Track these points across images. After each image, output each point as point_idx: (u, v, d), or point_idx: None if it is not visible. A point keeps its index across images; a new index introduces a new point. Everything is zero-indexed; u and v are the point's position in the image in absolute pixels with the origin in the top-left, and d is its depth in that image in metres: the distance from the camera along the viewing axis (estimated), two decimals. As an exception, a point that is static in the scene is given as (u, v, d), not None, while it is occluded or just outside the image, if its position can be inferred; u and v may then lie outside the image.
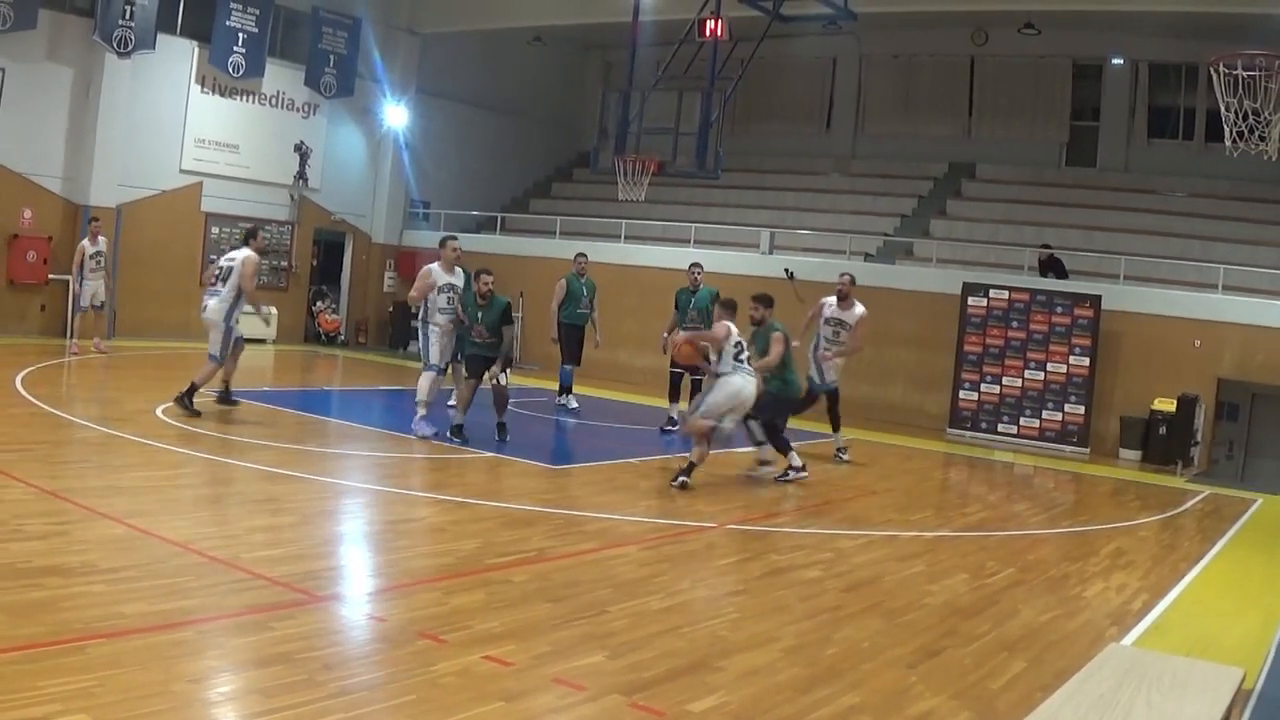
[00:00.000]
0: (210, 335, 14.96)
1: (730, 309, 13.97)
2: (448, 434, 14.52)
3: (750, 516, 11.97)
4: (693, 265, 18.15)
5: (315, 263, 28.42)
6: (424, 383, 14.66)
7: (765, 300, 14.56)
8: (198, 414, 14.17)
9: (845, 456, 16.63)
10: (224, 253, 17.26)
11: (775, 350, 13.93)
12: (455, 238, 15.61)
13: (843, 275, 17.08)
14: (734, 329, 13.51)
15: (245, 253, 15.10)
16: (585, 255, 19.07)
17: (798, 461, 14.23)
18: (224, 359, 14.97)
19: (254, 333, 25.69)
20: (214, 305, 14.90)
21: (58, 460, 11.51)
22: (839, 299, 16.80)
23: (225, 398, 15.30)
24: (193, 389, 14.56)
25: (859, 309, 16.63)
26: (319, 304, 28.13)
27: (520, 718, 5.82)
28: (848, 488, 14.62)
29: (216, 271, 15.23)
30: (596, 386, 22.51)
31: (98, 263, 20.65)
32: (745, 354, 13.41)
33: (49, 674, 5.58)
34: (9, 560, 7.47)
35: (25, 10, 21.58)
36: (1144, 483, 17.59)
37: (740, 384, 13.19)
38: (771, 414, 14.18)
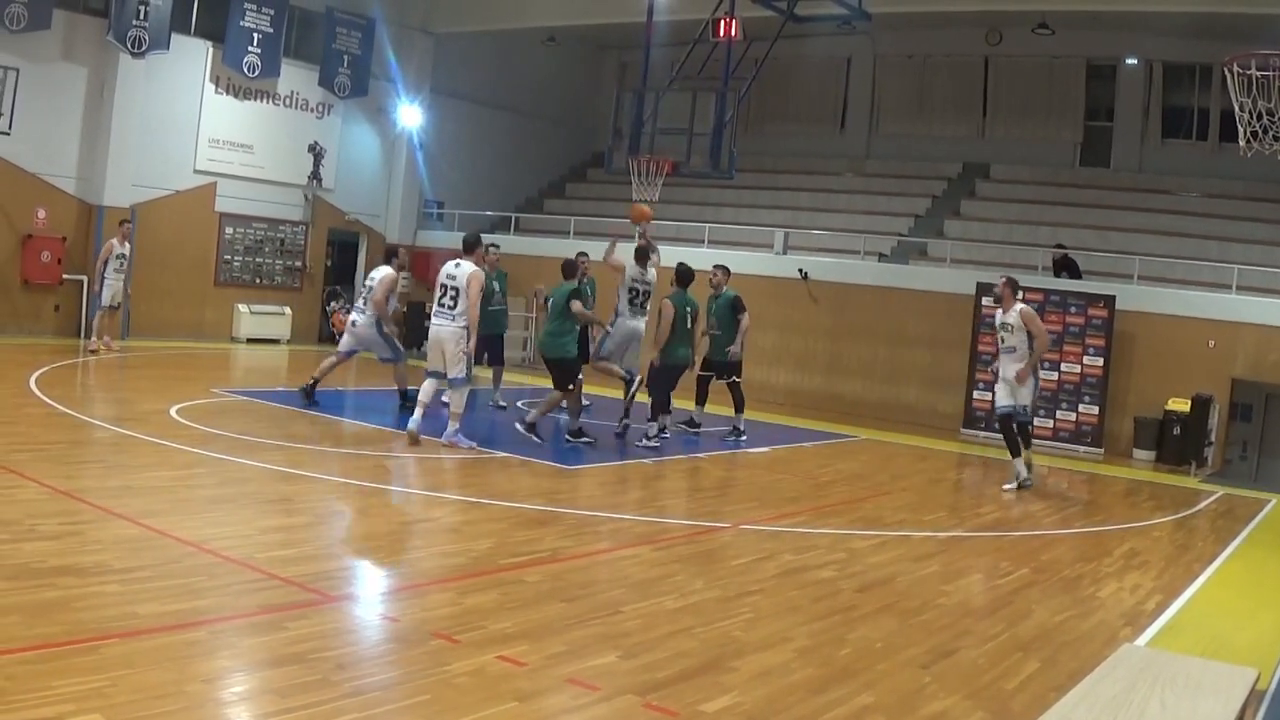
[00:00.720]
0: (373, 350, 17.14)
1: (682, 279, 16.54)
2: (566, 435, 15.50)
3: (763, 517, 11.96)
4: (716, 268, 18.13)
5: (329, 263, 28.41)
6: (460, 397, 14.22)
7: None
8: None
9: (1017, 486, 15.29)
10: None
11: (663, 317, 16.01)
12: (497, 245, 17.81)
13: (1000, 278, 15.98)
14: (637, 272, 16.62)
15: (385, 271, 16.74)
16: (586, 254, 18.55)
17: (653, 432, 15.87)
18: (400, 357, 17.12)
19: (269, 333, 25.88)
20: (363, 321, 16.65)
21: (72, 460, 11.53)
22: (996, 301, 16.08)
23: (309, 392, 16.50)
24: (404, 394, 16.75)
25: (1017, 306, 15.23)
26: (333, 304, 28.14)
27: (534, 718, 5.82)
28: (861, 488, 14.61)
29: (363, 292, 17.09)
30: (610, 387, 22.51)
31: (121, 263, 20.71)
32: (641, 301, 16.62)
33: (62, 674, 5.59)
34: (23, 560, 7.49)
35: (39, 10, 21.63)
36: (1158, 483, 17.56)
37: (635, 327, 16.65)
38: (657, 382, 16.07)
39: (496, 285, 17.81)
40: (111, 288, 20.67)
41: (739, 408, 17.79)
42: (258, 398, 16.61)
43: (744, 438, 17.51)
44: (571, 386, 15.10)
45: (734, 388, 17.79)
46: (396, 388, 17.12)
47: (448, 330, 13.98)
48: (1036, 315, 15.23)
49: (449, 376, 14.03)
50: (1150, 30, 25.14)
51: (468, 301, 13.84)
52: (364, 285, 17.24)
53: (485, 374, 18.16)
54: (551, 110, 32.96)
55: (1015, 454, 15.06)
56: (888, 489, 14.67)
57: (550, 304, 15.58)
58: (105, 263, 20.54)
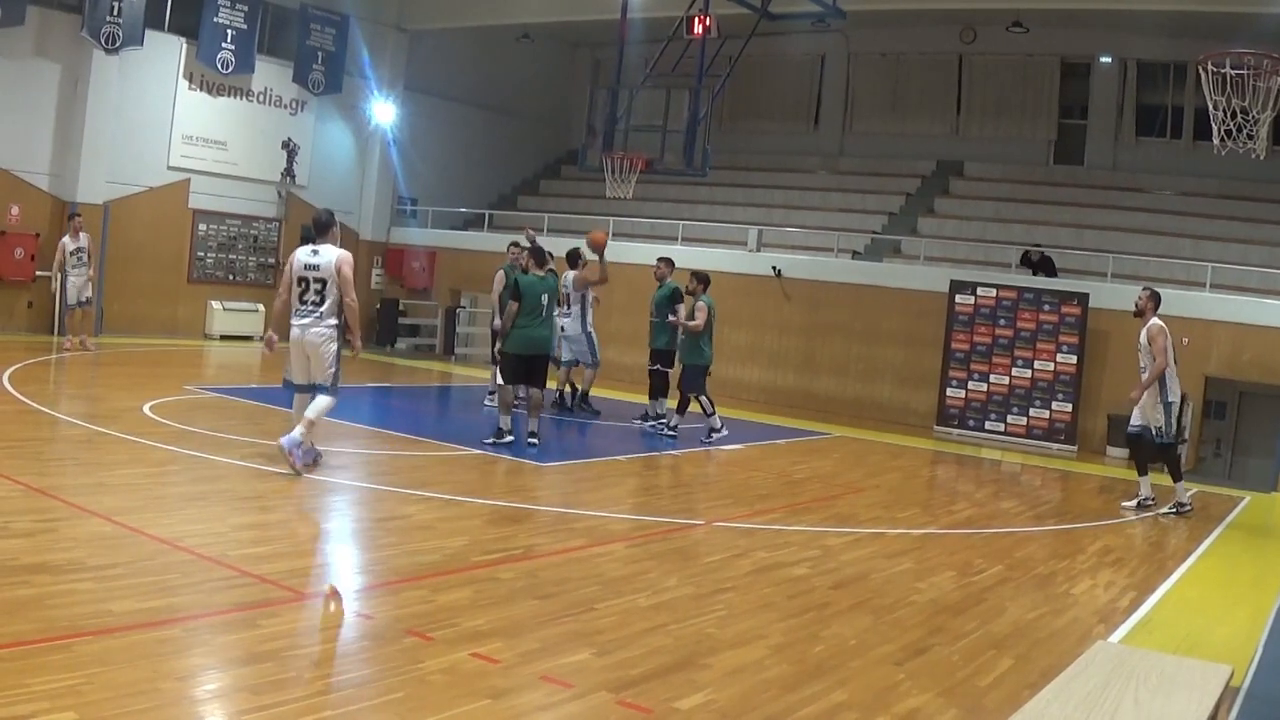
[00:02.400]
0: (575, 349, 18.43)
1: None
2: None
3: (737, 514, 11.97)
4: (659, 260, 18.19)
5: None
6: (325, 407, 11.76)
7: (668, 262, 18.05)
8: (598, 413, 18.35)
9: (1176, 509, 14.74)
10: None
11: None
12: (518, 244, 17.52)
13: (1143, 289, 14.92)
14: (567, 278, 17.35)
15: (572, 274, 18.08)
16: (517, 245, 18.43)
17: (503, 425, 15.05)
18: (598, 364, 18.14)
19: (242, 330, 25.79)
20: (569, 324, 18.07)
21: (45, 457, 11.49)
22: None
23: (584, 400, 18.34)
24: (585, 396, 18.27)
25: (1150, 322, 14.29)
26: None
27: (507, 715, 5.82)
28: (835, 485, 14.63)
29: (565, 296, 17.78)
30: (610, 388, 22.53)
31: (79, 259, 20.53)
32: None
33: (36, 671, 5.57)
34: (-5, 558, 7.46)
35: (13, 6, 21.54)
36: (1131, 480, 17.54)
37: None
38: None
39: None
40: (74, 284, 20.53)
41: (653, 396, 18.09)
42: (231, 395, 16.56)
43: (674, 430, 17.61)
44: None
45: (657, 376, 17.92)
46: (582, 391, 18.70)
47: (314, 332, 11.57)
48: (1161, 335, 14.09)
49: (317, 384, 11.68)
50: (1125, 29, 25.23)
51: (339, 293, 11.54)
52: (563, 290, 17.56)
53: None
54: (525, 107, 32.91)
55: (1141, 473, 14.77)
56: (861, 486, 14.69)
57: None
58: (61, 263, 20.40)
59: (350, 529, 10.11)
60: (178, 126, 25.11)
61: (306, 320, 11.56)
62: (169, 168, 25.08)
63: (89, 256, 20.76)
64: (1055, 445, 20.34)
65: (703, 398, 16.92)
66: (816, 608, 8.44)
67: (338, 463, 12.67)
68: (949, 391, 21.58)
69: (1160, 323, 14.19)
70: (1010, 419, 21.02)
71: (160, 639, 6.30)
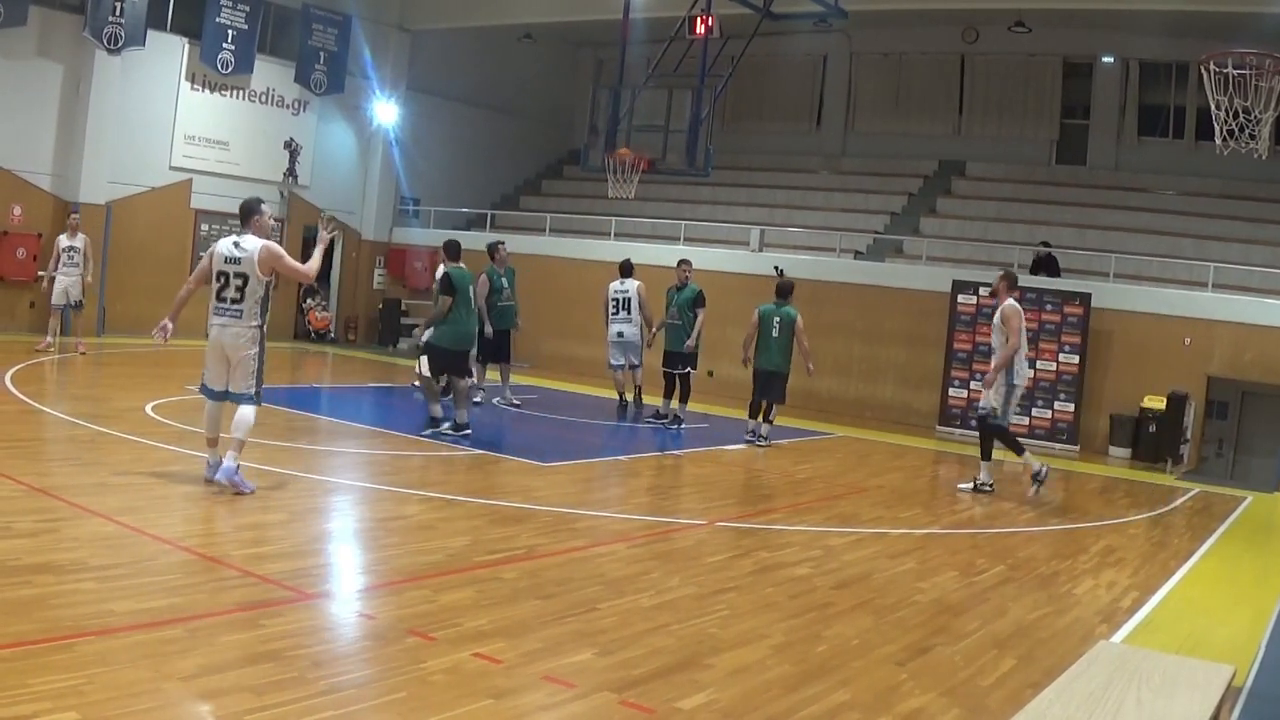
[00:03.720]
0: (632, 353, 19.08)
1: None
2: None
3: (739, 514, 11.97)
4: (681, 262, 18.35)
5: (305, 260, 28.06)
6: (248, 420, 10.47)
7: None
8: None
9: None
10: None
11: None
12: (503, 241, 18.07)
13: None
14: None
15: (637, 283, 18.88)
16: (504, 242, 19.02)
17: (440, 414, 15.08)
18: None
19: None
20: (629, 330, 18.75)
21: (47, 457, 11.49)
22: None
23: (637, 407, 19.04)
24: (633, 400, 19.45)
25: (1006, 302, 14.62)
26: (309, 301, 28.05)
27: (510, 715, 5.81)
28: (837, 485, 14.62)
29: (614, 302, 18.80)
30: (586, 384, 22.54)
31: (70, 258, 19.91)
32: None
33: (38, 671, 5.56)
34: (-2, 558, 7.46)
35: (15, 7, 21.56)
36: (1134, 480, 17.62)
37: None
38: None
39: (505, 281, 18.20)
40: (61, 284, 19.86)
41: (684, 398, 18.27)
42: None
43: (683, 428, 17.96)
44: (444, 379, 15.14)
45: (684, 379, 18.18)
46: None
47: (232, 332, 10.51)
48: (1015, 316, 14.40)
49: (234, 393, 10.54)
50: (1127, 28, 25.23)
51: (264, 291, 10.61)
52: (611, 299, 18.99)
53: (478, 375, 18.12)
54: (528, 107, 32.92)
55: (984, 458, 14.91)
56: (863, 486, 14.68)
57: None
58: (56, 261, 20.02)
59: (352, 529, 10.10)
60: (180, 127, 25.13)
61: (224, 320, 10.51)
62: (171, 168, 25.10)
63: (85, 258, 20.15)
64: (1058, 445, 20.33)
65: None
66: (819, 608, 8.43)
67: (339, 462, 12.67)
68: (951, 391, 21.57)
69: (1015, 304, 14.53)
70: (1012, 419, 20.96)
71: (162, 639, 6.29)
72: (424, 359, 15.13)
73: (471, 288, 14.97)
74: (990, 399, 14.56)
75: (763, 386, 17.35)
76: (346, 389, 20.49)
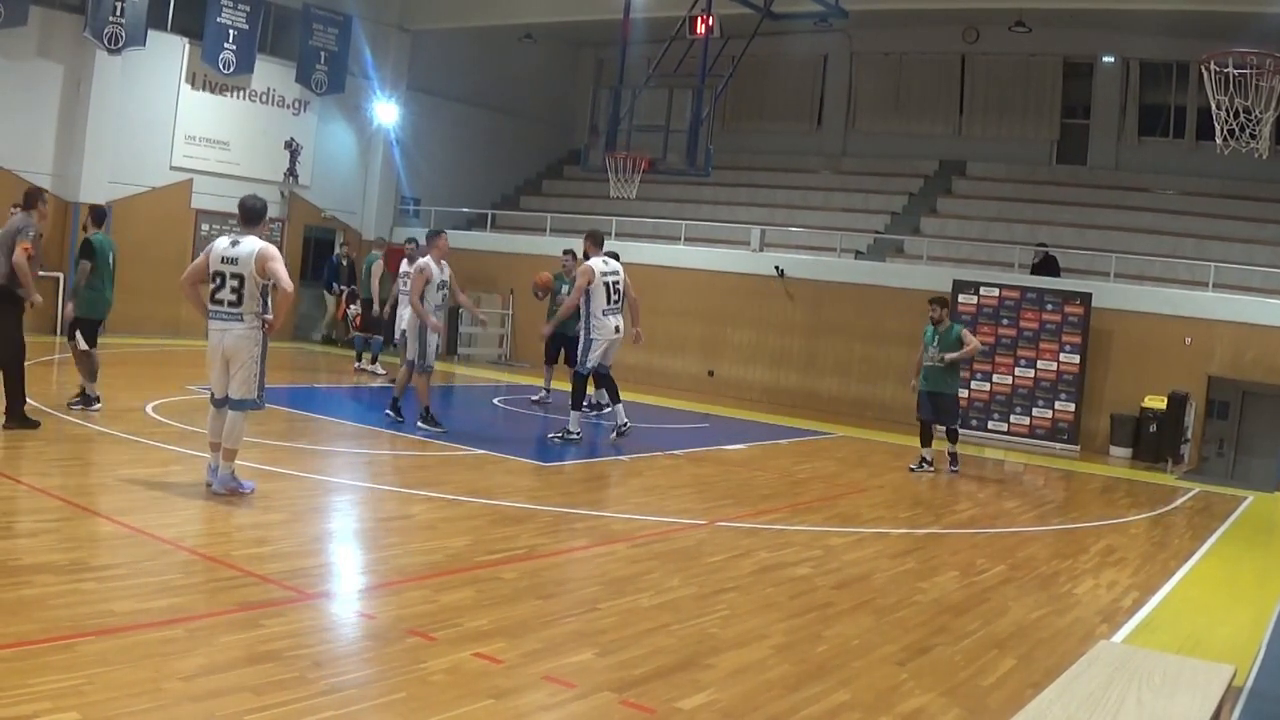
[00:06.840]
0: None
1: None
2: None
3: (739, 514, 11.96)
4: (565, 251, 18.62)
5: (345, 263, 26.84)
6: (241, 426, 10.29)
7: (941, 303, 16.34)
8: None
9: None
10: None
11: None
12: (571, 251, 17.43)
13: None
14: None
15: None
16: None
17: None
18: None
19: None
20: (622, 325, 16.74)
21: (48, 457, 11.47)
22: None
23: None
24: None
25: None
26: (353, 307, 27.27)
27: (510, 715, 5.81)
28: (837, 485, 14.63)
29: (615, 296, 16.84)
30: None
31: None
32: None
33: (38, 672, 5.56)
34: (-2, 558, 7.46)
35: (15, 7, 21.55)
36: (1134, 480, 17.62)
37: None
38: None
39: (564, 287, 18.15)
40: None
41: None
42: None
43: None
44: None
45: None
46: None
47: (232, 336, 10.22)
48: (583, 275, 15.30)
49: (234, 399, 10.23)
50: (1127, 28, 25.24)
51: (260, 291, 10.26)
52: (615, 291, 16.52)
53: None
54: (528, 107, 32.92)
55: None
56: (864, 486, 14.69)
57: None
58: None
59: (352, 529, 10.10)
60: (180, 127, 25.15)
61: (222, 323, 10.23)
62: (171, 168, 25.11)
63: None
64: (1058, 445, 20.34)
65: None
66: (819, 608, 8.43)
67: (340, 462, 12.67)
68: (951, 391, 21.57)
69: (590, 265, 15.36)
70: (1013, 419, 21.02)
71: (163, 639, 6.29)
72: (80, 335, 14.67)
73: (111, 254, 14.38)
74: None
75: (931, 409, 16.36)
76: (346, 389, 20.46)
